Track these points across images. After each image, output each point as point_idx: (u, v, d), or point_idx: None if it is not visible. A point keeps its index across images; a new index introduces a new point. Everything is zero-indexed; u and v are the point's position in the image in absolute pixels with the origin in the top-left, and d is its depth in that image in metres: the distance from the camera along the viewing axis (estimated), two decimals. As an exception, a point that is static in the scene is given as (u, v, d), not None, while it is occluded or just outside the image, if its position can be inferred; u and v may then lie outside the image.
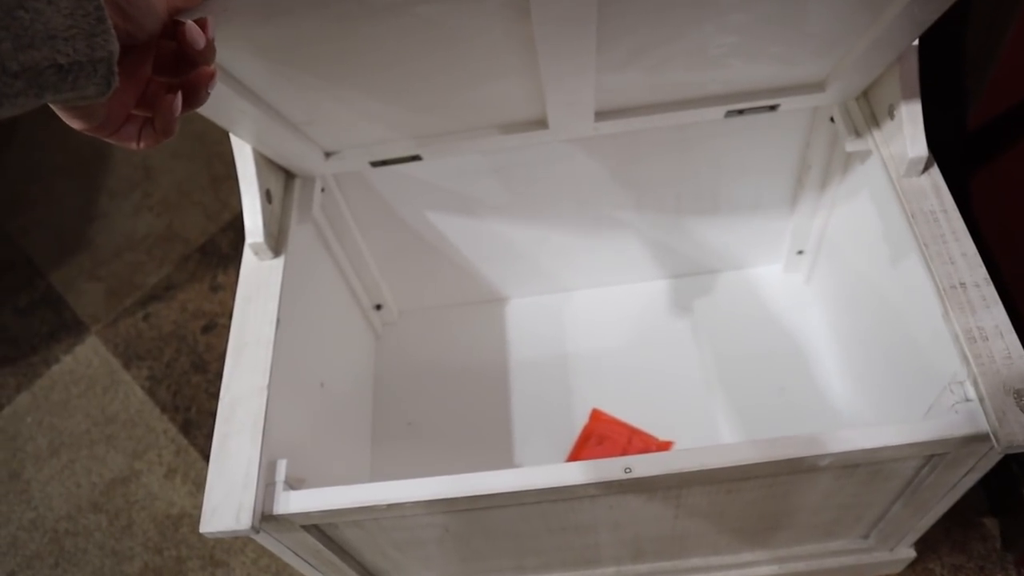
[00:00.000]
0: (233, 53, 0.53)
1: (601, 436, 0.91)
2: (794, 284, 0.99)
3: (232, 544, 0.98)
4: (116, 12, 0.34)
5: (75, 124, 0.37)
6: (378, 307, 1.01)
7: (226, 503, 0.57)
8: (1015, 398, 0.52)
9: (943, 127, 0.72)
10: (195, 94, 0.41)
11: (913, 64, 0.62)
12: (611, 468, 0.56)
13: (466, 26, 0.53)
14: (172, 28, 0.39)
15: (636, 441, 0.90)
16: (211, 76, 0.41)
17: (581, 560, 0.78)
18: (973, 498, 0.64)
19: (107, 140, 0.40)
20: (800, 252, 0.95)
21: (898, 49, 0.60)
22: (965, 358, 0.55)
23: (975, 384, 0.54)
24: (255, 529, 0.57)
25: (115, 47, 0.32)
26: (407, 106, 0.65)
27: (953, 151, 0.78)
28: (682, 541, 0.74)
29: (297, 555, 0.67)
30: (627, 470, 0.56)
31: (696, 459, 0.56)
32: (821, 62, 0.64)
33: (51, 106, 0.34)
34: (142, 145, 0.41)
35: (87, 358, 1.18)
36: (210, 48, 0.40)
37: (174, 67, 0.40)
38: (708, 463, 0.55)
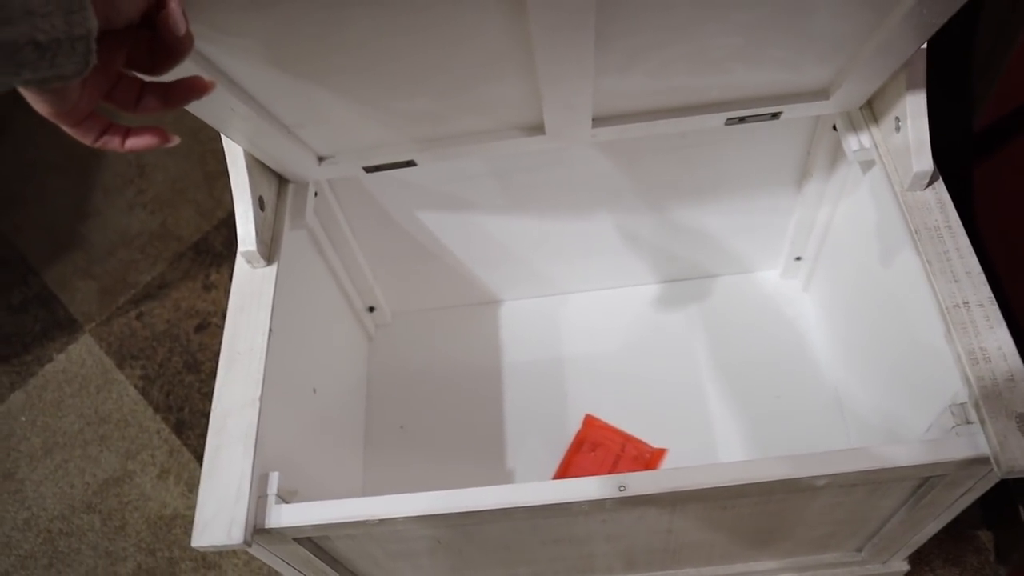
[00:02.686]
0: (222, 47, 0.51)
1: (594, 443, 0.91)
2: (791, 290, 0.98)
3: (225, 547, 0.98)
4: None
5: (43, 107, 0.37)
6: (371, 309, 1.00)
7: (218, 517, 0.57)
8: (1017, 422, 0.52)
9: (948, 134, 0.71)
10: (182, 100, 0.41)
11: (921, 74, 0.61)
12: (606, 486, 0.55)
13: (463, 22, 0.52)
14: (150, 16, 0.38)
15: (629, 448, 0.90)
16: (205, 87, 0.41)
17: (573, 569, 0.77)
18: (968, 511, 0.63)
19: (66, 130, 0.39)
20: (798, 258, 0.94)
21: (904, 55, 0.59)
22: (967, 380, 0.54)
23: (976, 407, 0.53)
24: (247, 543, 0.57)
25: (94, 24, 0.32)
26: (401, 108, 0.63)
27: (958, 160, 0.77)
28: (675, 553, 0.74)
29: (289, 565, 0.67)
30: (621, 488, 0.55)
31: (692, 478, 0.55)
32: (825, 67, 0.63)
33: (19, 88, 0.34)
34: (99, 144, 0.41)
35: (80, 357, 1.17)
36: (188, 37, 0.39)
37: (148, 61, 0.39)
38: (704, 482, 0.55)
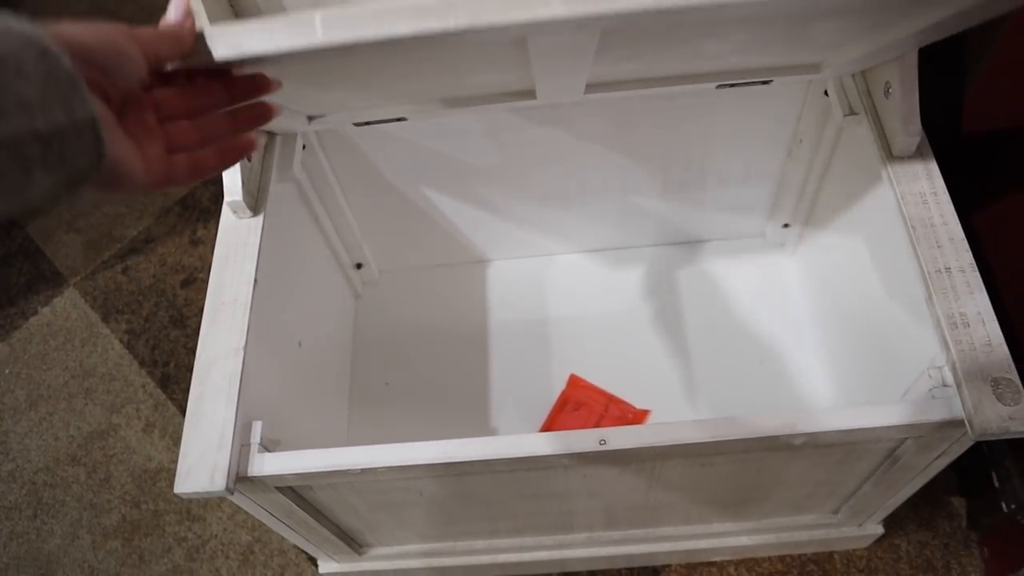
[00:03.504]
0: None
1: (578, 402, 0.91)
2: (777, 257, 0.99)
3: (209, 499, 0.98)
4: (93, 69, 0.32)
5: (118, 195, 0.37)
6: (359, 266, 0.99)
7: (201, 464, 0.57)
8: (992, 386, 0.52)
9: (937, 107, 0.71)
10: (256, 123, 0.43)
11: (912, 43, 0.61)
12: (586, 440, 0.56)
13: (468, 54, 0.51)
14: (160, 74, 0.39)
15: (613, 409, 0.91)
16: (269, 113, 0.43)
17: (554, 526, 0.79)
18: (942, 477, 0.65)
19: (167, 189, 0.40)
20: (786, 225, 0.95)
21: (898, 53, 0.59)
22: (945, 343, 0.55)
23: (953, 370, 0.54)
24: (229, 490, 0.57)
25: (94, 110, 0.31)
26: (395, 91, 0.63)
27: (945, 134, 0.77)
28: (655, 511, 0.75)
29: (271, 514, 0.67)
30: (602, 442, 0.56)
31: (671, 434, 0.56)
32: (819, 57, 0.63)
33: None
34: (197, 178, 0.41)
35: (65, 310, 1.16)
36: (276, 83, 0.42)
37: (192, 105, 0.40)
38: (683, 438, 0.55)
